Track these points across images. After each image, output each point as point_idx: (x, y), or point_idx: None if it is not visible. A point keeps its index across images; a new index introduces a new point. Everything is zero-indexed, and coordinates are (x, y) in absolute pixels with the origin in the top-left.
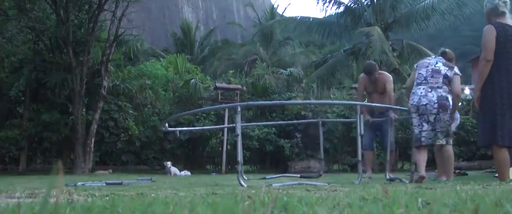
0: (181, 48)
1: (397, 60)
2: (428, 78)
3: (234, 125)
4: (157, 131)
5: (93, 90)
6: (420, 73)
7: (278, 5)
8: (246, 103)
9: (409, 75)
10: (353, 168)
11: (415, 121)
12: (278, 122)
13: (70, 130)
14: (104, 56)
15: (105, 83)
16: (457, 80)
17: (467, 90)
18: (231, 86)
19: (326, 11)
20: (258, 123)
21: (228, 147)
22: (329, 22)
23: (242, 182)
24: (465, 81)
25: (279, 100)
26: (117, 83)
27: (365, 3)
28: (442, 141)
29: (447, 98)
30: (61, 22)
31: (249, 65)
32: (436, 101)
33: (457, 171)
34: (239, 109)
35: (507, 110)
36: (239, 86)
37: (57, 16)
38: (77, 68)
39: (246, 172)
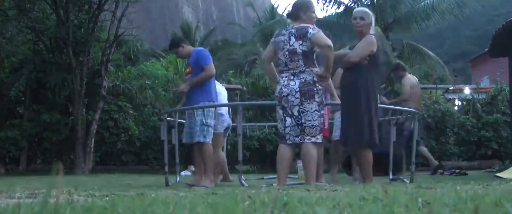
0: None
1: (397, 60)
2: (288, 63)
3: (235, 124)
4: (157, 131)
5: (93, 91)
6: (280, 58)
7: (278, 5)
8: (248, 103)
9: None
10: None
11: (278, 114)
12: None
13: (70, 130)
14: (104, 56)
15: (105, 83)
16: (320, 36)
17: (467, 90)
18: (231, 86)
19: (326, 11)
20: (259, 123)
21: (228, 147)
22: (329, 22)
23: (243, 182)
24: (465, 81)
25: None
26: (117, 83)
27: (365, 3)
28: (308, 139)
29: (313, 83)
30: (61, 22)
31: (249, 65)
32: (297, 89)
33: (457, 170)
34: (240, 109)
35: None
36: (239, 86)
37: (57, 16)
38: (77, 68)
39: (246, 172)
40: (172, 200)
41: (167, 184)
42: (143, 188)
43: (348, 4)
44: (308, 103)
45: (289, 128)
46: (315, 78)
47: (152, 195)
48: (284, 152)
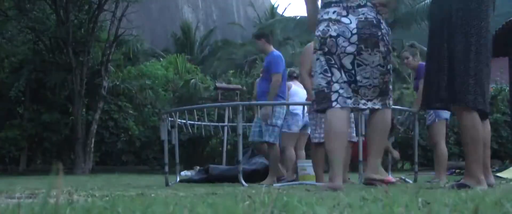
0: (181, 48)
1: (397, 60)
2: None
3: (235, 124)
4: (157, 131)
5: (93, 91)
6: None
7: (278, 5)
8: (248, 103)
9: (409, 75)
10: (353, 168)
11: (319, 65)
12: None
13: (70, 130)
14: (104, 56)
15: (105, 83)
16: None
17: None
18: (231, 86)
19: None
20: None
21: (228, 147)
22: None
23: (243, 182)
24: None
25: None
26: (117, 83)
27: None
28: (376, 104)
29: (377, 24)
30: (61, 22)
31: (249, 65)
32: (355, 31)
33: (457, 170)
34: (240, 108)
35: None
36: (239, 86)
37: (57, 16)
38: (77, 68)
39: None
40: (172, 200)
41: (167, 184)
42: (143, 188)
43: None
44: (369, 54)
45: (338, 85)
46: (379, 17)
47: (152, 195)
48: (333, 118)
